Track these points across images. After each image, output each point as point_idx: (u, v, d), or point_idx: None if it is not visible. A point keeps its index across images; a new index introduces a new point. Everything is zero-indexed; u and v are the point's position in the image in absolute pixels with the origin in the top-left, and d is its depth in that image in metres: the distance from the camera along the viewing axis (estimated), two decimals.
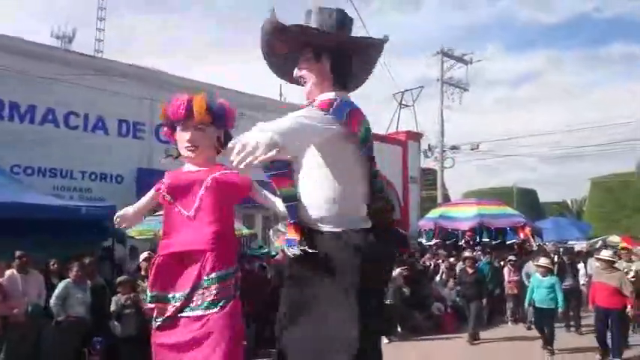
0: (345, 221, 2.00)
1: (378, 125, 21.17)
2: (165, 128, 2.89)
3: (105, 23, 14.86)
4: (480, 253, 11.20)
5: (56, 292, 5.76)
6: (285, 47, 2.14)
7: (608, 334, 6.77)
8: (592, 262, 10.02)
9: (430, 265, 11.22)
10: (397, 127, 21.42)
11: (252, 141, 1.55)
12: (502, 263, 10.78)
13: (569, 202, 40.04)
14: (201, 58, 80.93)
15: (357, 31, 2.22)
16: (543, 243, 13.40)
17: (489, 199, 17.55)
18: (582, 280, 10.26)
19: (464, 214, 13.67)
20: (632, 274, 7.75)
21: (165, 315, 2.55)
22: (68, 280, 5.89)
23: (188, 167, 2.78)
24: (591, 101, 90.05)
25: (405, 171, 18.98)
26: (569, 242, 16.24)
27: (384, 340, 7.09)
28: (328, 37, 2.05)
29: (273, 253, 9.68)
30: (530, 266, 9.33)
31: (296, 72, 2.15)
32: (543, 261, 7.70)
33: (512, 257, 10.62)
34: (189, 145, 2.70)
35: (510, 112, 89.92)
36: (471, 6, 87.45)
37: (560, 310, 7.28)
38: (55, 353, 5.62)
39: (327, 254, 1.97)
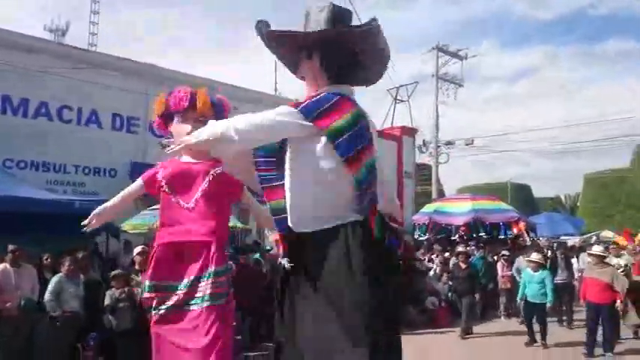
0: (325, 218, 1.96)
1: (373, 120, 21.12)
2: (158, 119, 2.87)
3: (99, 17, 14.73)
4: (473, 248, 11.26)
5: (49, 287, 5.73)
6: (282, 51, 2.20)
7: (600, 331, 6.83)
8: (584, 257, 10.11)
9: (424, 259, 11.27)
10: (392, 122, 21.46)
11: (201, 132, 2.03)
12: (495, 258, 10.84)
13: (562, 198, 40.32)
14: (201, 56, 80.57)
15: None
16: (537, 238, 13.49)
17: (484, 194, 17.63)
18: (577, 275, 10.34)
19: (458, 210, 13.73)
20: (620, 269, 7.82)
21: (169, 304, 2.56)
22: (60, 274, 5.87)
23: (186, 159, 2.78)
24: (586, 98, 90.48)
25: (400, 166, 19.03)
26: (562, 237, 16.36)
27: None
28: (307, 36, 2.06)
29: (268, 248, 9.71)
30: (520, 261, 9.40)
31: (298, 73, 2.22)
32: (534, 256, 7.76)
33: (505, 252, 10.68)
34: None
35: (506, 108, 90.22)
36: (466, 1, 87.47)
37: (548, 304, 7.32)
38: (49, 348, 5.61)
39: (312, 259, 1.95)
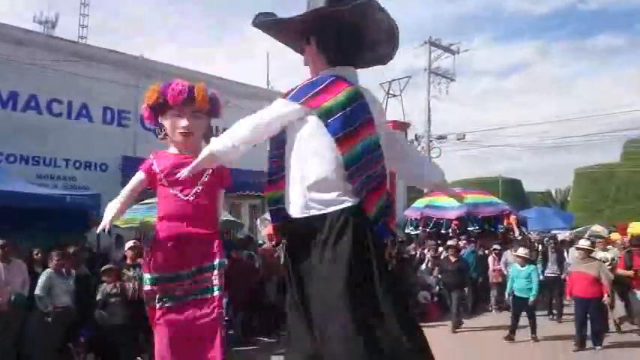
0: (321, 202, 1.97)
1: None
2: (149, 110, 2.84)
3: (89, 9, 14.55)
4: (465, 241, 11.31)
5: (40, 283, 5.68)
6: (284, 39, 2.22)
7: (589, 325, 6.90)
8: (573, 252, 10.18)
9: (416, 254, 11.30)
10: None
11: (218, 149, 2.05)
12: (487, 252, 10.90)
13: (553, 192, 40.62)
14: (193, 50, 79.91)
15: None
16: (527, 232, 13.57)
17: (475, 188, 17.69)
18: (567, 269, 10.41)
19: (450, 204, 13.70)
20: (607, 262, 7.90)
21: (174, 294, 2.61)
22: (49, 269, 5.82)
23: (182, 152, 2.79)
24: (578, 93, 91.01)
25: None
26: (553, 231, 16.47)
27: None
28: (303, 19, 2.05)
29: (260, 242, 9.70)
30: (508, 255, 9.45)
31: (304, 61, 2.24)
32: (521, 251, 7.77)
33: (496, 246, 10.73)
34: (186, 130, 2.73)
35: (497, 103, 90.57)
36: None
37: (531, 299, 7.25)
38: (39, 342, 5.58)
39: (304, 242, 1.98)
